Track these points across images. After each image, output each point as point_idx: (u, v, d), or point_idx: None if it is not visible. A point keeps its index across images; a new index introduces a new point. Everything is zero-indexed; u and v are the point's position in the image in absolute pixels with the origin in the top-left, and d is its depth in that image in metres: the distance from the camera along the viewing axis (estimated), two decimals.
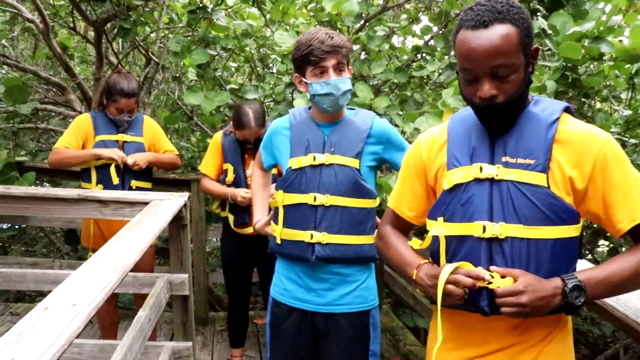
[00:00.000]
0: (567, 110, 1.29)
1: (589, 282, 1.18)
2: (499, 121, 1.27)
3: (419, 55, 3.92)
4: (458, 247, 1.30)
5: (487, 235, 1.25)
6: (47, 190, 2.68)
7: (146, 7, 4.26)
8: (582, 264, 1.58)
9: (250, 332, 3.69)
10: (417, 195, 1.46)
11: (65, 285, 1.47)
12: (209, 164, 3.11)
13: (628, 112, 3.12)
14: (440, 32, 3.64)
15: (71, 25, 4.70)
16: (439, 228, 1.34)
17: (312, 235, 1.83)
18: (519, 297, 1.17)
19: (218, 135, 3.11)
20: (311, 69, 1.83)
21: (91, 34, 5.17)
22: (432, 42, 3.83)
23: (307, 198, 1.84)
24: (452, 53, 3.66)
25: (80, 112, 4.44)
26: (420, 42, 4.17)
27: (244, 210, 3.00)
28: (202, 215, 3.97)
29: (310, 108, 2.00)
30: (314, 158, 1.85)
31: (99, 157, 2.94)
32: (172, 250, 2.71)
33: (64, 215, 2.98)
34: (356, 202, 1.84)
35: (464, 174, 1.30)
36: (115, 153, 2.93)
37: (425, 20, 4.04)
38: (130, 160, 2.97)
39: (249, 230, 2.99)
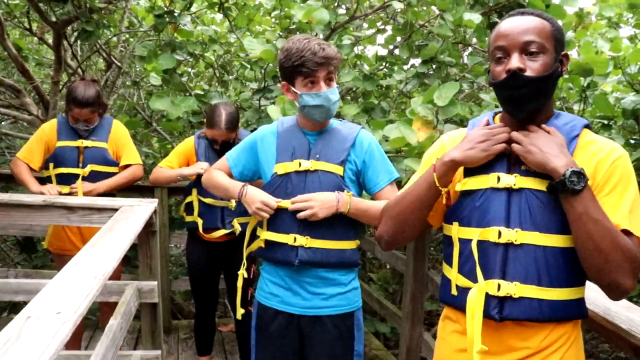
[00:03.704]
0: (587, 127, 1.36)
1: (589, 187, 1.21)
2: (523, 98, 1.28)
3: (383, 64, 4.01)
4: (472, 252, 1.33)
5: (502, 240, 1.29)
6: (10, 196, 2.57)
7: (107, 9, 4.17)
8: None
9: (215, 339, 3.65)
10: None
11: (46, 293, 1.43)
12: (170, 161, 3.03)
13: None
14: (405, 42, 3.73)
15: (26, 25, 4.54)
16: (454, 233, 1.38)
17: (295, 239, 1.85)
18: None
19: (191, 140, 3.06)
20: (302, 79, 1.83)
21: (47, 35, 5.04)
22: (396, 52, 3.93)
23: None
24: (416, 62, 3.76)
25: (37, 116, 4.30)
26: (384, 51, 4.26)
27: (215, 214, 2.96)
28: (165, 222, 3.91)
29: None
30: (300, 164, 1.87)
31: (44, 194, 2.82)
32: (141, 257, 2.66)
33: (28, 222, 2.87)
34: None
35: (480, 180, 1.35)
36: (55, 191, 2.86)
37: (389, 29, 4.13)
38: (81, 192, 2.93)
39: (218, 234, 2.96)
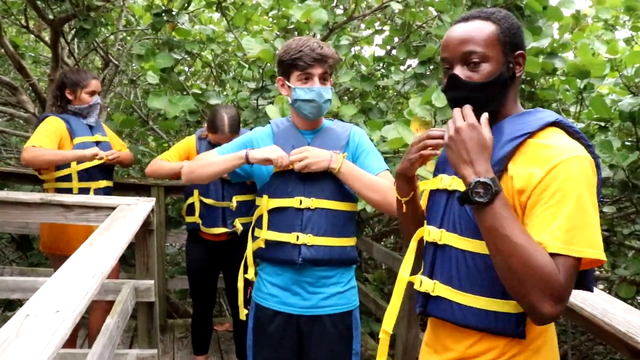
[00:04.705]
0: (558, 124, 1.23)
1: (502, 200, 1.11)
2: (465, 102, 1.22)
3: (380, 65, 4.02)
4: (424, 248, 1.40)
5: (430, 239, 1.34)
6: (7, 193, 2.56)
7: (104, 8, 4.17)
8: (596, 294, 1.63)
9: (210, 338, 3.64)
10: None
11: (45, 292, 1.43)
12: (169, 156, 3.01)
13: (581, 125, 3.29)
14: (403, 42, 3.74)
15: (23, 23, 4.52)
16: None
17: (298, 237, 1.85)
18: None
19: (192, 139, 3.06)
20: (297, 74, 1.87)
21: (44, 33, 5.02)
22: (394, 52, 3.93)
23: (293, 202, 1.87)
24: (414, 63, 3.77)
25: (34, 114, 4.29)
26: (381, 52, 4.27)
27: (216, 215, 2.95)
28: (162, 220, 3.91)
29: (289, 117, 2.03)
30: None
31: (81, 159, 2.88)
32: (138, 256, 2.66)
33: (25, 220, 2.86)
34: (340, 205, 1.90)
35: (434, 181, 1.39)
36: (95, 151, 2.89)
37: (387, 30, 4.14)
38: (109, 155, 2.98)
39: (219, 230, 2.95)
